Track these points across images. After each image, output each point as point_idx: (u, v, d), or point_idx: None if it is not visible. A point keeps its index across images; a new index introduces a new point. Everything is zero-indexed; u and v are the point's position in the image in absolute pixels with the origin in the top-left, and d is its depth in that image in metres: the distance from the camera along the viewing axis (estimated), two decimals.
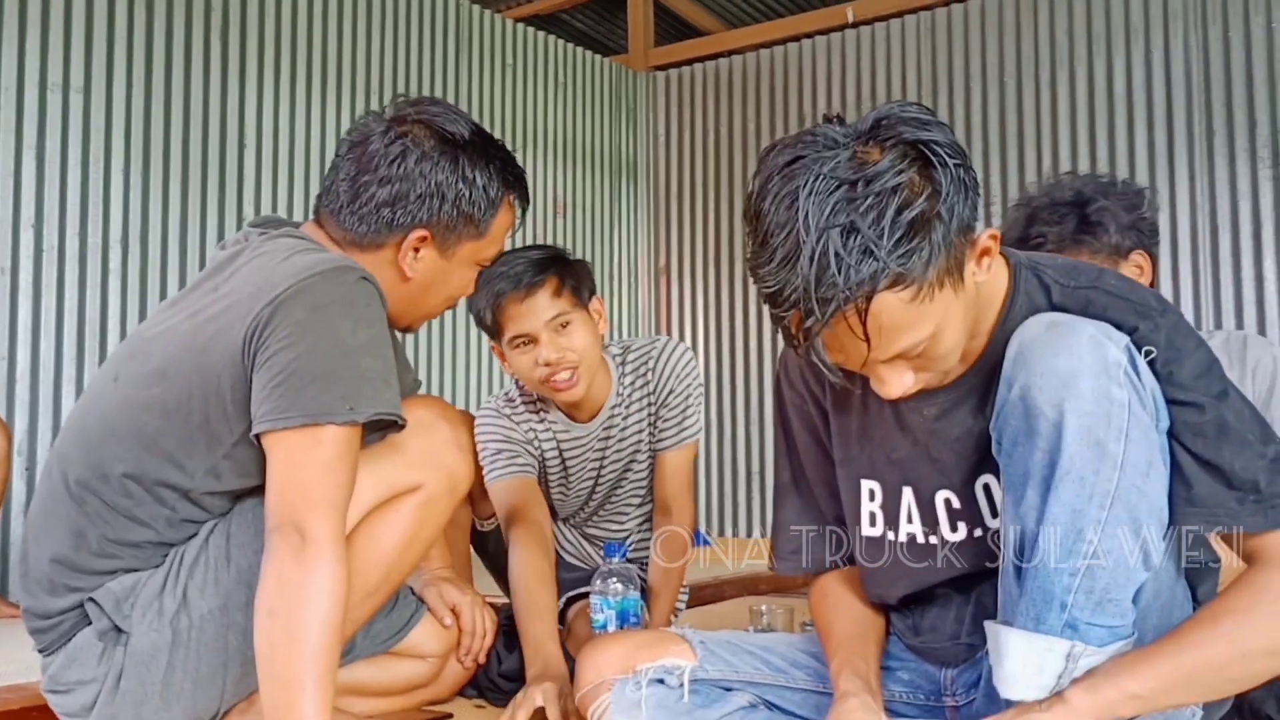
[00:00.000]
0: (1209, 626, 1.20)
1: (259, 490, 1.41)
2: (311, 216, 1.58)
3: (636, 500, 2.28)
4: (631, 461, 2.22)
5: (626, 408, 2.17)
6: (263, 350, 1.35)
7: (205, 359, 1.39)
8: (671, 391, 2.14)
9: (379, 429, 1.43)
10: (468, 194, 1.51)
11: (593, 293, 2.08)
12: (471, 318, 2.08)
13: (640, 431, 2.18)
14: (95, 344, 3.37)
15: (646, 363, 2.16)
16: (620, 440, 2.19)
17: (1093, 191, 2.00)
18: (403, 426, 1.44)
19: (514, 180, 1.57)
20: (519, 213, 1.61)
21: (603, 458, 2.20)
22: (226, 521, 1.48)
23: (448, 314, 1.98)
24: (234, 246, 1.53)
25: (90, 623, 1.48)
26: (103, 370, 1.55)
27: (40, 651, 1.55)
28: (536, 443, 2.15)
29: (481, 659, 1.86)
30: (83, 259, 3.40)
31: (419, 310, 1.61)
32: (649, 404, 2.16)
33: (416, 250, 1.52)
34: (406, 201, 1.49)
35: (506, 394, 2.20)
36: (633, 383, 2.16)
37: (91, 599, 1.47)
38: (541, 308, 1.97)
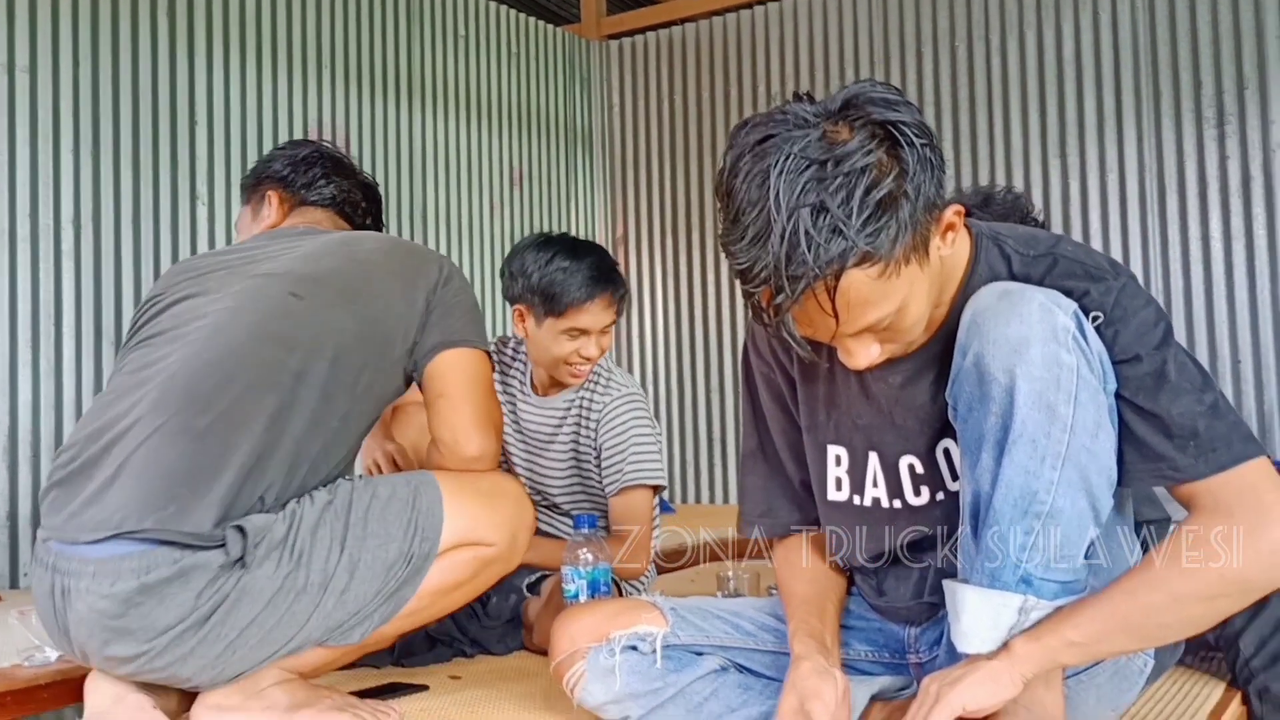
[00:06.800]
0: (1144, 573, 1.24)
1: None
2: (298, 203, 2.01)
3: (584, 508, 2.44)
4: (575, 463, 2.40)
5: (580, 411, 2.37)
6: (440, 302, 1.74)
7: (384, 301, 1.70)
8: (603, 446, 2.33)
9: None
10: None
11: None
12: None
13: (579, 445, 2.38)
14: (50, 326, 3.33)
15: (597, 402, 2.35)
16: (570, 433, 2.38)
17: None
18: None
19: None
20: None
21: (551, 440, 2.41)
22: (346, 509, 1.56)
23: None
24: (295, 232, 1.88)
25: (209, 549, 1.48)
26: (255, 293, 1.67)
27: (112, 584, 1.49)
28: (502, 392, 2.44)
29: None
30: (34, 241, 3.35)
31: None
32: (593, 437, 2.35)
33: None
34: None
35: (511, 341, 2.52)
36: (586, 401, 2.37)
37: (239, 526, 1.49)
38: (606, 315, 2.29)
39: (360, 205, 2.05)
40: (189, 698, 1.65)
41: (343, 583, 1.54)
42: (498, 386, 2.37)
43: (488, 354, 1.80)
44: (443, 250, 4.81)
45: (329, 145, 2.08)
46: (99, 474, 1.55)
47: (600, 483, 2.37)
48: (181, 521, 1.48)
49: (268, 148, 4.00)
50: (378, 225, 2.11)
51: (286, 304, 1.66)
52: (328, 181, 2.01)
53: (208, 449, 1.52)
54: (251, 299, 1.67)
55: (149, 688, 1.60)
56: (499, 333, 4.34)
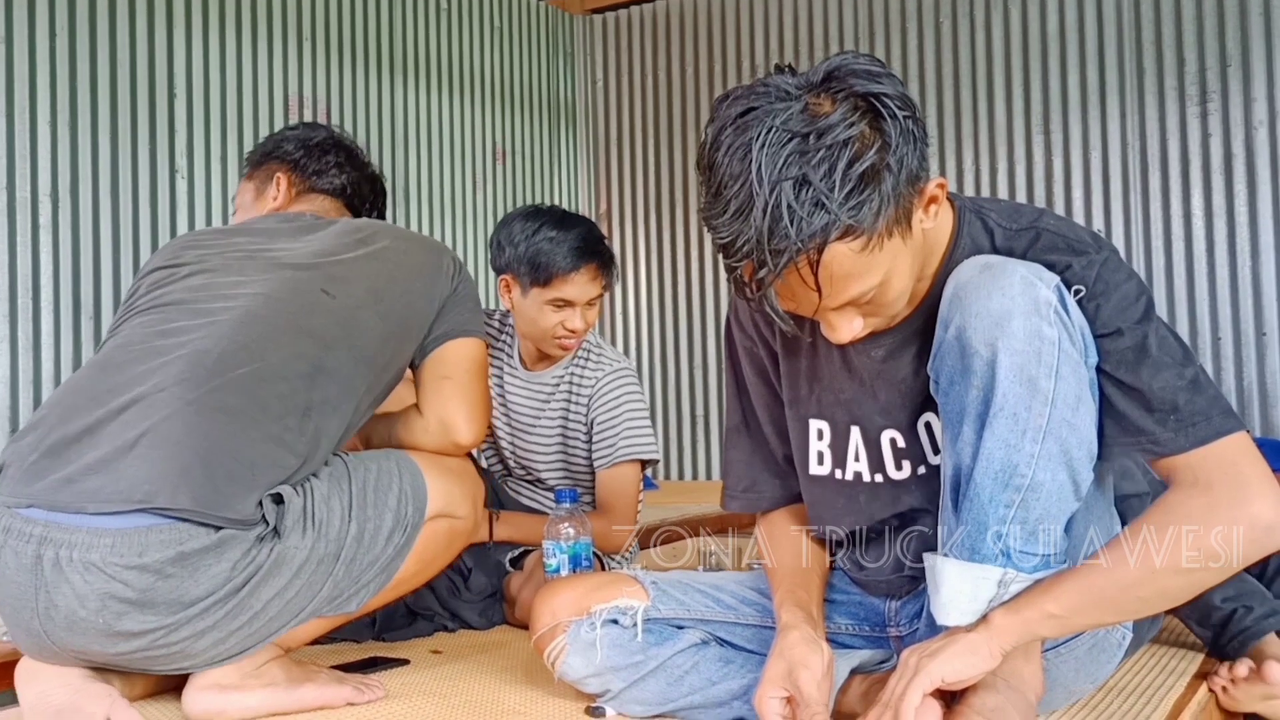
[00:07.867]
0: (1122, 547, 1.25)
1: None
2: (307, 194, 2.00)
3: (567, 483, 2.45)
4: (562, 438, 2.39)
5: (570, 386, 2.38)
6: (452, 297, 1.82)
7: (407, 300, 1.76)
8: (595, 421, 2.35)
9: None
10: None
11: None
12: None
13: (569, 421, 2.38)
14: (28, 300, 3.30)
15: (588, 377, 2.37)
16: (559, 408, 2.39)
17: None
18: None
19: None
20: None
21: (539, 415, 2.41)
22: (348, 480, 1.60)
23: None
24: (299, 221, 1.88)
25: (246, 525, 1.46)
26: (291, 286, 1.68)
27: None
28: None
29: None
30: (11, 214, 3.32)
31: None
32: (584, 413, 2.37)
33: None
34: None
35: (497, 314, 2.53)
36: (576, 377, 2.38)
37: (277, 495, 1.49)
38: (592, 287, 2.29)
39: (367, 198, 2.07)
40: (152, 686, 1.65)
41: (352, 551, 1.57)
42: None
43: (486, 343, 1.89)
44: (425, 226, 4.78)
45: (341, 132, 2.07)
46: (105, 441, 1.47)
47: (587, 457, 2.37)
48: (223, 507, 1.45)
49: (247, 120, 3.99)
50: (380, 216, 2.12)
51: (320, 301, 1.68)
52: (340, 171, 2.01)
53: (248, 435, 1.50)
54: (285, 290, 1.68)
55: (105, 677, 1.55)
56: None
